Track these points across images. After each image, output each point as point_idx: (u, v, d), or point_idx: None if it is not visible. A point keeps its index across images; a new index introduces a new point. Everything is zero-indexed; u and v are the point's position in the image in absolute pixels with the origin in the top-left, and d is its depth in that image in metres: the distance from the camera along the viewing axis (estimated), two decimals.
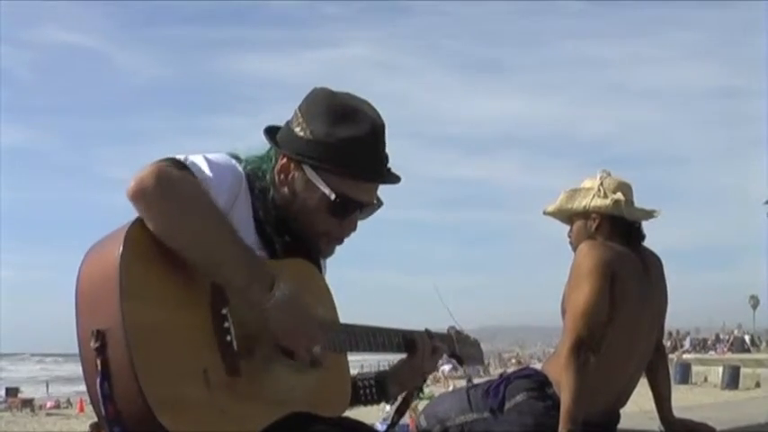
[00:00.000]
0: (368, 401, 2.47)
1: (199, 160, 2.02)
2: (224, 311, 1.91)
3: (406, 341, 2.45)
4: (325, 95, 2.18)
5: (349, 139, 2.11)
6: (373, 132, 2.15)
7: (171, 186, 1.86)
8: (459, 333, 2.66)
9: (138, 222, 1.86)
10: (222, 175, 2.04)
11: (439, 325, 2.84)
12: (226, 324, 1.91)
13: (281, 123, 2.22)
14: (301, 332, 1.99)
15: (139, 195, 1.84)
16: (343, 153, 2.10)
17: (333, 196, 2.11)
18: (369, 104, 2.20)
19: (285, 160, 2.14)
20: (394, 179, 2.20)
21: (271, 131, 2.22)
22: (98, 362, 1.74)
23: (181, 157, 1.99)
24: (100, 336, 1.74)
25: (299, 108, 2.18)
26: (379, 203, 2.23)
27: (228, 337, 1.90)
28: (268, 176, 2.15)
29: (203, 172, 1.99)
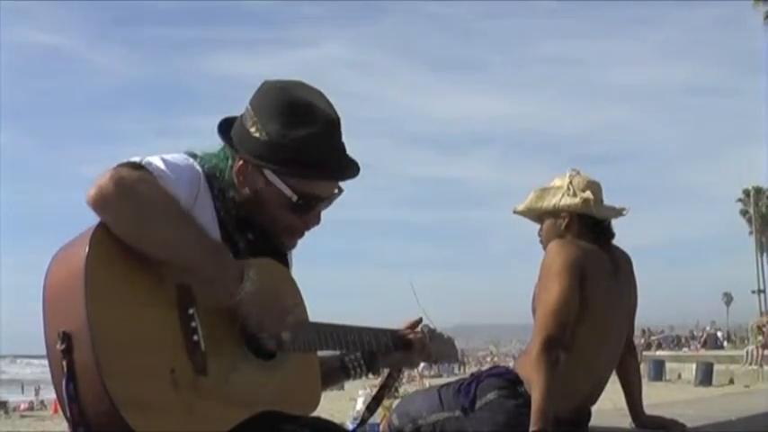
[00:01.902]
0: (357, 375, 2.55)
1: (155, 161, 2.01)
2: (191, 311, 1.91)
3: (398, 340, 2.55)
4: (276, 91, 2.15)
5: (304, 139, 2.09)
6: (329, 128, 2.14)
7: (129, 189, 1.86)
8: (432, 331, 2.67)
9: (104, 225, 1.85)
10: (179, 174, 2.03)
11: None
12: (193, 324, 1.91)
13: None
14: (272, 319, 2.02)
15: (99, 202, 1.85)
16: (300, 155, 2.09)
17: (294, 198, 2.12)
18: (321, 96, 2.18)
19: (243, 162, 2.13)
20: (354, 172, 2.19)
21: (224, 127, 2.20)
22: (64, 363, 1.75)
23: (137, 158, 1.98)
24: (66, 337, 1.75)
25: (252, 105, 2.15)
26: (340, 191, 2.22)
27: (196, 337, 1.90)
28: (226, 176, 2.14)
29: (161, 170, 1.99)
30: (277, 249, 2.24)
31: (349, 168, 2.19)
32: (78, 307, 1.75)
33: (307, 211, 2.17)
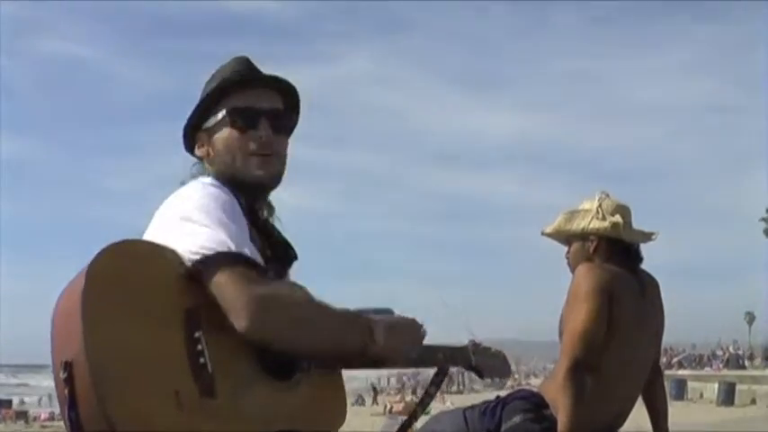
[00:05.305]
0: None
1: (220, 234, 1.97)
2: (197, 335, 1.90)
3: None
4: None
5: (218, 73, 2.25)
6: (239, 58, 2.27)
7: (273, 307, 1.93)
8: (476, 345, 2.67)
9: (103, 255, 1.85)
10: (238, 218, 2.04)
11: (452, 334, 2.89)
12: (199, 347, 1.89)
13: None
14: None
15: (257, 332, 1.91)
16: (216, 84, 2.23)
17: (223, 112, 2.19)
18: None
19: (199, 142, 2.25)
20: (274, 79, 2.26)
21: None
22: (66, 392, 1.76)
23: (231, 247, 1.95)
24: (67, 366, 1.76)
25: None
26: (284, 108, 2.27)
27: (202, 360, 1.88)
28: (212, 172, 2.20)
29: (247, 243, 2.00)
30: (288, 252, 2.28)
31: (266, 75, 2.27)
32: (76, 335, 1.76)
33: (251, 125, 2.19)
